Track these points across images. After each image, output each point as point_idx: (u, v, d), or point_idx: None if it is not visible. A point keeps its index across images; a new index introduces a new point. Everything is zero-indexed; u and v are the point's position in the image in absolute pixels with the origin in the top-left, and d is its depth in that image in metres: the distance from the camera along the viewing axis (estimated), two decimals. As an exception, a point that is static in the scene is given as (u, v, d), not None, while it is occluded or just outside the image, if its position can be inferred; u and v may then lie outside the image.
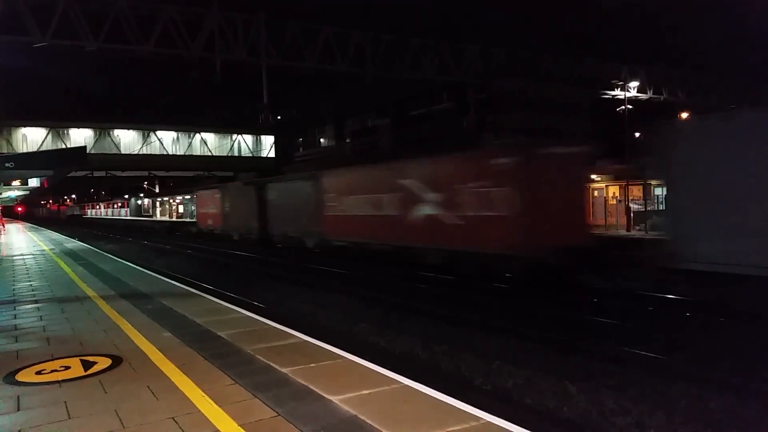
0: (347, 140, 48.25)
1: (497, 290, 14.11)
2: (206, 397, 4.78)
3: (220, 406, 4.55)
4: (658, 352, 8.16)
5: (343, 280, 16.88)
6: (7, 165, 18.74)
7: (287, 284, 16.34)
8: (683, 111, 41.95)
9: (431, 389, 4.92)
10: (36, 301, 9.95)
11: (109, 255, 20.71)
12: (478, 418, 4.27)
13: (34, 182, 35.54)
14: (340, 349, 6.20)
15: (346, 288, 15.07)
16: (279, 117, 48.35)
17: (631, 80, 37.06)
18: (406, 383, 5.10)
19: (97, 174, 57.66)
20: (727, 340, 8.89)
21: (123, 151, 44.38)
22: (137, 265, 17.04)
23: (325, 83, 40.40)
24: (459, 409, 4.47)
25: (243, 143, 49.19)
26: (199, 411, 4.48)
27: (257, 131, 48.62)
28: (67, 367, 5.77)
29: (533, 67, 35.07)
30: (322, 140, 55.41)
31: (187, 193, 46.93)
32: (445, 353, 8.81)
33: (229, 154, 48.52)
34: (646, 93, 40.04)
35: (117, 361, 5.96)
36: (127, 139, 44.68)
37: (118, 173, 56.28)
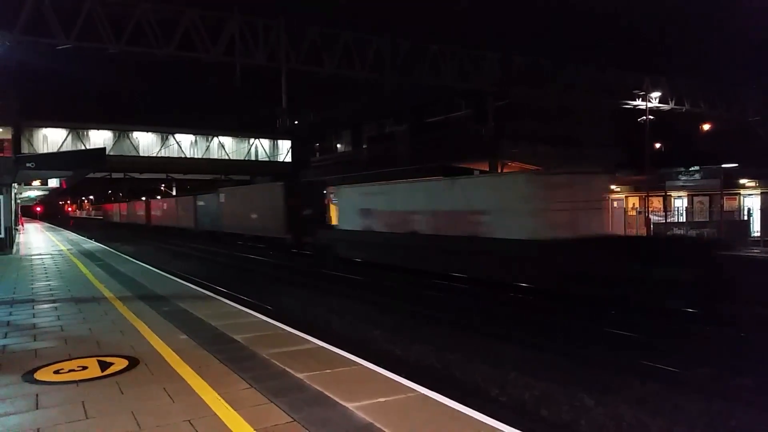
0: (364, 146, 48.33)
1: (513, 300, 13.98)
2: (222, 400, 4.77)
3: (235, 410, 4.53)
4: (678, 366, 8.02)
5: (357, 286, 16.84)
6: (28, 165, 19.05)
7: (301, 288, 16.35)
8: (705, 122, 41.51)
9: (447, 398, 4.85)
10: (54, 301, 10.04)
11: (125, 256, 20.88)
12: (494, 429, 4.20)
13: (53, 182, 36.03)
14: (356, 355, 6.16)
15: (359, 294, 15.03)
16: (296, 122, 48.55)
17: (653, 90, 36.70)
18: (422, 392, 5.04)
19: (115, 176, 58.32)
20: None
21: (141, 154, 44.84)
22: (153, 266, 17.16)
23: (344, 88, 40.50)
24: (475, 419, 4.41)
25: (260, 147, 49.47)
26: (215, 414, 4.46)
27: (275, 136, 48.89)
28: (85, 367, 5.79)
29: (553, 76, 34.86)
30: (339, 145, 55.58)
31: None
32: (459, 362, 8.73)
33: (246, 158, 48.81)
34: (668, 104, 39.63)
35: (133, 362, 5.97)
36: (146, 142, 45.15)
37: (136, 175, 56.83)
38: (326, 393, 4.93)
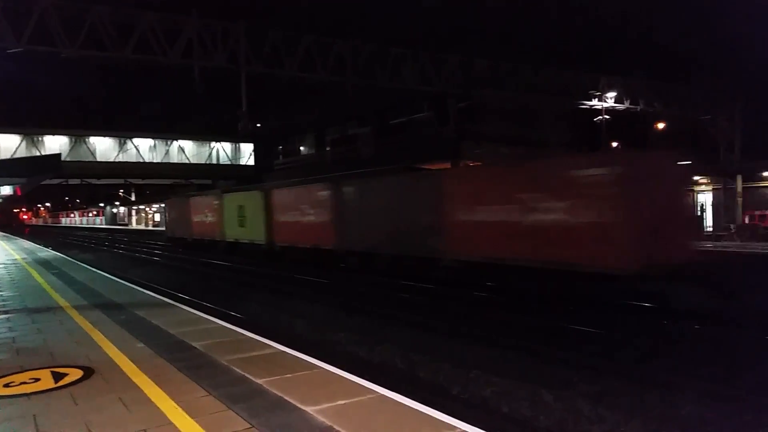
0: (327, 148, 48.19)
1: (477, 299, 14.13)
2: (179, 408, 4.70)
3: (193, 418, 4.48)
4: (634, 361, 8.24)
5: (323, 289, 16.79)
6: (-22, 172, 18.41)
7: (266, 293, 16.21)
8: (659, 121, 42.71)
9: (408, 399, 4.90)
10: (6, 312, 9.72)
11: (83, 264, 20.35)
12: (453, 427, 4.26)
13: (6, 190, 34.87)
14: (318, 359, 6.15)
15: (325, 297, 14.99)
16: (258, 125, 48.09)
17: (609, 91, 37.62)
18: (383, 393, 5.07)
19: (72, 182, 56.81)
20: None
21: (99, 159, 43.79)
22: (111, 274, 16.77)
23: (307, 91, 40.35)
24: (435, 418, 4.46)
25: (222, 151, 48.83)
26: (172, 423, 4.40)
27: (236, 139, 48.33)
28: (37, 379, 5.64)
29: (513, 78, 35.42)
30: (302, 148, 55.28)
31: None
32: (424, 363, 8.78)
33: (208, 162, 48.12)
34: (623, 103, 40.65)
35: (89, 372, 5.84)
36: (103, 147, 44.12)
37: (94, 181, 55.50)
38: (286, 398, 4.92)
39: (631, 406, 6.75)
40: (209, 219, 30.78)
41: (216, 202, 30.07)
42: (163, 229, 44.76)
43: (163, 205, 40.86)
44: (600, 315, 11.52)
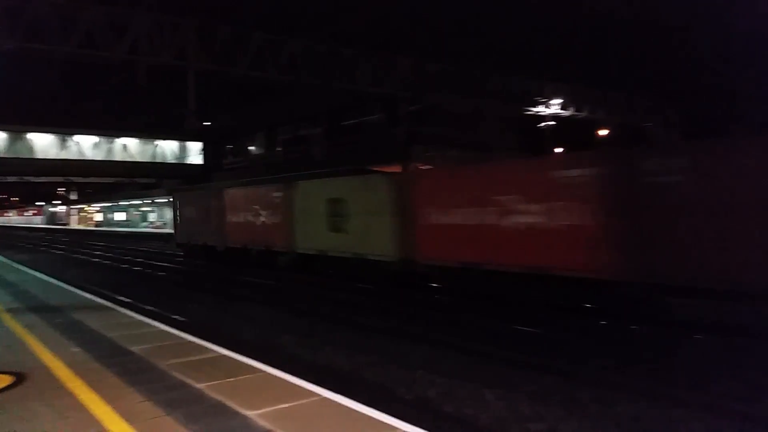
0: (279, 149, 47.82)
1: (426, 301, 14.27)
2: (115, 414, 4.59)
3: (130, 424, 4.37)
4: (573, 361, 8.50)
5: (272, 291, 16.61)
6: None
7: (212, 295, 15.92)
8: (603, 128, 44.16)
9: (352, 401, 4.92)
10: (-69, 316, 9.23)
11: (18, 266, 19.51)
12: (394, 428, 4.31)
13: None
14: (261, 362, 6.10)
15: (273, 299, 14.84)
16: (209, 123, 47.17)
17: (555, 97, 38.66)
18: (326, 395, 5.08)
19: (11, 179, 54.36)
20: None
21: (38, 156, 42.02)
22: (49, 276, 16.14)
23: (258, 90, 39.85)
24: (377, 420, 4.50)
25: (168, 149, 47.59)
26: (107, 430, 4.29)
27: (183, 137, 47.19)
28: (-38, 387, 5.38)
29: (463, 82, 35.96)
30: (252, 148, 54.59)
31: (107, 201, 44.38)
32: (370, 364, 8.81)
33: (152, 160, 46.80)
34: (568, 110, 41.85)
35: (20, 378, 5.61)
36: (43, 143, 42.35)
37: (32, 179, 53.24)
38: (226, 402, 4.86)
39: (568, 404, 6.96)
40: (263, 219, 20.89)
41: (278, 194, 20.24)
42: (111, 229, 43.28)
43: (107, 204, 38.16)
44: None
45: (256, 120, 48.55)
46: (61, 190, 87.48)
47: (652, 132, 43.12)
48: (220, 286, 17.86)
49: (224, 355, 6.45)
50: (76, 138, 43.44)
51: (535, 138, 35.70)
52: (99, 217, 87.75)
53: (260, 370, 5.85)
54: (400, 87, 35.52)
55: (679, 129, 42.15)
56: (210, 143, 49.08)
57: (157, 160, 46.89)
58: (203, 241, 24.77)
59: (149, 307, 12.71)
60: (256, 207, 21.20)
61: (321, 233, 17.60)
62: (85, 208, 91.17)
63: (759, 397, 6.85)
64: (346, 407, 4.79)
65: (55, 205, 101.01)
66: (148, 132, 46.93)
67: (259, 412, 4.62)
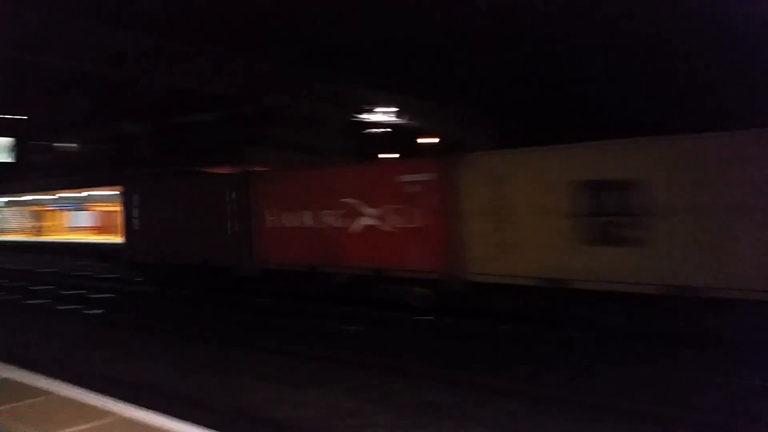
0: (94, 146, 44.30)
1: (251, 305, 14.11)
2: None
3: None
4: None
5: (88, 302, 15.29)
6: None
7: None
8: (433, 136, 46.94)
9: (159, 415, 4.75)
10: None
11: None
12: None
13: None
14: (58, 381, 5.64)
15: (86, 311, 13.69)
16: (25, 117, 42.01)
17: (389, 106, 40.20)
18: (129, 415, 4.83)
19: None
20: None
21: None
22: None
23: (77, 83, 36.31)
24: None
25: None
26: None
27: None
28: None
29: (297, 86, 36.09)
30: (69, 144, 49.79)
31: None
32: (181, 375, 8.46)
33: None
34: (401, 119, 43.80)
35: None
36: None
37: None
38: (13, 429, 4.44)
39: (381, 396, 7.36)
40: (370, 222, 12.41)
41: (427, 178, 11.58)
42: None
43: None
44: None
45: (72, 115, 44.25)
46: None
47: (470, 142, 46.86)
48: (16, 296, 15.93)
49: (8, 378, 5.85)
50: None
51: (372, 145, 36.89)
52: None
53: (54, 392, 5.40)
54: (233, 86, 34.59)
55: (494, 140, 46.30)
56: (16, 138, 43.71)
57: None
58: (198, 259, 15.71)
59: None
60: (351, 202, 12.73)
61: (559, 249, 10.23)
62: None
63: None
64: (151, 426, 4.60)
65: None
66: None
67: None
